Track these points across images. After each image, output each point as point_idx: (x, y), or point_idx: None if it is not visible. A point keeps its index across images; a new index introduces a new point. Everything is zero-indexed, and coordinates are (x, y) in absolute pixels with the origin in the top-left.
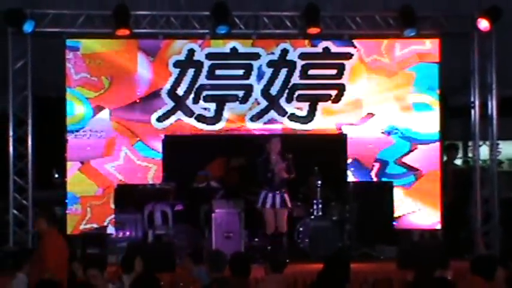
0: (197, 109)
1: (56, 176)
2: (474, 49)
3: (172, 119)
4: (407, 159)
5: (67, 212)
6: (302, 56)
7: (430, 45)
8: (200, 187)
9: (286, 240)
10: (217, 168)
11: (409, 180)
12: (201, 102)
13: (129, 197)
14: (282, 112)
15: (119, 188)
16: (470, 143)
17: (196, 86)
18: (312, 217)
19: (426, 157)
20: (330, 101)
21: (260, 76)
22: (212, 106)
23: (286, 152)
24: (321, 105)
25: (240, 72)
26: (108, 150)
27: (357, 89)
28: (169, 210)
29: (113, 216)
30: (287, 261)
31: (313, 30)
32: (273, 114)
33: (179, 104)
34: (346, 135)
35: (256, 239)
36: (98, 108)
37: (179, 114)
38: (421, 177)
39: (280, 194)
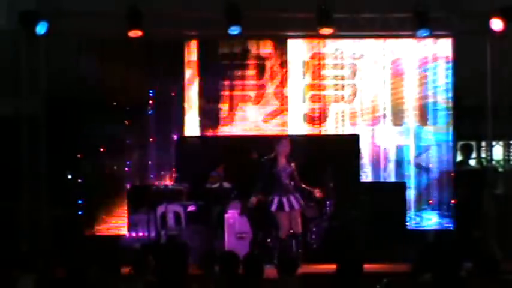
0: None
1: (70, 177)
2: (488, 49)
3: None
4: (421, 160)
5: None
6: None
7: (443, 45)
8: (213, 188)
9: (301, 241)
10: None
11: (422, 181)
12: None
13: (141, 198)
14: None
15: (131, 188)
16: (483, 143)
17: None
18: (325, 217)
19: (439, 157)
20: (343, 102)
21: None
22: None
23: (297, 154)
24: (335, 106)
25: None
26: None
27: (371, 90)
28: (182, 210)
29: None
30: (299, 262)
31: (326, 31)
32: None
33: None
34: (358, 135)
35: (269, 240)
36: None
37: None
38: (433, 177)
39: (294, 196)
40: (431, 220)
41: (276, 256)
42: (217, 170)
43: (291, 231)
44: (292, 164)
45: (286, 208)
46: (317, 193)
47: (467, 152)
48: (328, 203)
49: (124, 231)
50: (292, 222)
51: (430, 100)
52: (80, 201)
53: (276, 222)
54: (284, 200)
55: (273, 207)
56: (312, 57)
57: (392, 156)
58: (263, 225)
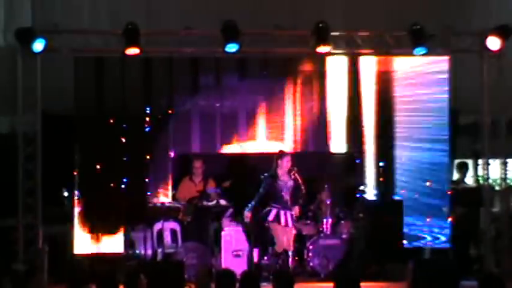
0: None
1: (66, 194)
2: (484, 67)
3: None
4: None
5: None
6: None
7: (440, 63)
8: (210, 205)
9: (292, 259)
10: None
11: (419, 199)
12: None
13: (138, 215)
14: None
15: (128, 206)
16: (480, 161)
17: None
18: (322, 235)
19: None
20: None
21: None
22: None
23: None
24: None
25: None
26: None
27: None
28: (179, 228)
29: None
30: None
31: (323, 49)
32: None
33: None
34: (355, 154)
35: (265, 258)
36: None
37: None
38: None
39: (290, 213)
40: (427, 238)
41: (272, 273)
42: (224, 185)
43: (284, 248)
44: (293, 179)
45: (283, 222)
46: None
47: (463, 170)
48: (325, 220)
49: (120, 249)
50: (287, 240)
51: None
52: (75, 219)
53: (271, 235)
54: (282, 213)
55: (270, 217)
56: None
57: None
58: (259, 242)
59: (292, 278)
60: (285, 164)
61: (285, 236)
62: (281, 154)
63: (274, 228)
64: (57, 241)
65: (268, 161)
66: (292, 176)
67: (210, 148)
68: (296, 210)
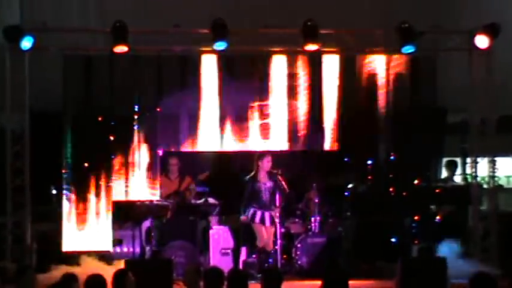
0: None
1: (54, 191)
2: (473, 65)
3: None
4: None
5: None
6: None
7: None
8: (198, 203)
9: (274, 258)
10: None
11: None
12: None
13: (126, 214)
14: None
15: (116, 204)
16: (468, 160)
17: None
18: (310, 233)
19: None
20: None
21: None
22: None
23: (281, 168)
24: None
25: None
26: None
27: None
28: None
29: None
30: (283, 278)
31: (311, 47)
32: None
33: None
34: (343, 152)
35: (253, 256)
36: None
37: None
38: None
39: (268, 213)
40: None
41: (259, 271)
42: (200, 177)
43: (263, 246)
44: (279, 173)
45: (267, 223)
46: None
47: (452, 168)
48: (313, 219)
49: (109, 247)
50: (268, 238)
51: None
52: (64, 217)
53: (255, 235)
54: (258, 213)
55: (257, 219)
56: None
57: None
58: (246, 240)
59: (281, 276)
60: (265, 164)
61: (263, 235)
62: (261, 155)
63: (259, 229)
64: (46, 238)
65: (250, 158)
66: (274, 178)
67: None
68: (276, 212)
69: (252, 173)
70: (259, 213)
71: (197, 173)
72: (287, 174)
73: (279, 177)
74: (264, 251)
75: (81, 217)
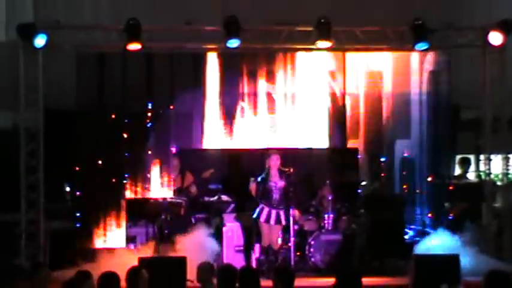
0: None
1: (68, 189)
2: (486, 62)
3: None
4: None
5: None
6: None
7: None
8: (211, 200)
9: (281, 258)
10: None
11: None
12: None
13: (140, 211)
14: None
15: (130, 201)
16: (482, 157)
17: None
18: (323, 231)
19: None
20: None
21: None
22: None
23: (294, 166)
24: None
25: None
26: None
27: None
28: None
29: None
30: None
31: (324, 44)
32: None
33: None
34: (357, 149)
35: (269, 254)
36: None
37: None
38: None
39: (276, 211)
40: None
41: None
42: (205, 175)
43: (269, 244)
44: (291, 171)
45: (272, 222)
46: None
47: (465, 165)
48: (326, 216)
49: (122, 244)
50: (272, 237)
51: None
52: (78, 214)
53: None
54: (265, 210)
55: (262, 219)
56: None
57: None
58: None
59: (293, 274)
60: (274, 163)
61: (266, 233)
62: (268, 154)
63: (263, 227)
64: (59, 236)
65: (257, 156)
66: (285, 176)
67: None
68: (296, 212)
69: (264, 173)
70: (265, 211)
71: (202, 170)
72: (299, 172)
73: (290, 175)
74: (270, 249)
75: (95, 215)
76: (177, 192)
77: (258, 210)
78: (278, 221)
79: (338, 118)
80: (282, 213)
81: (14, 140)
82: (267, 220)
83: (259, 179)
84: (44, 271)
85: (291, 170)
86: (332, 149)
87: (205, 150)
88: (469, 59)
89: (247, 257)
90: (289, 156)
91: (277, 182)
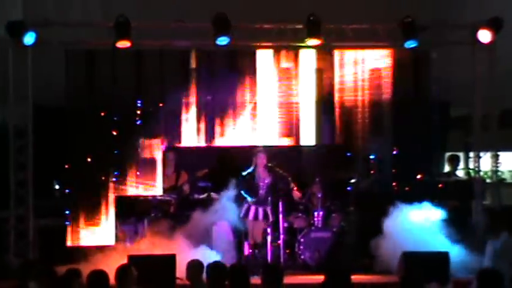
0: None
1: (57, 186)
2: (475, 59)
3: None
4: None
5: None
6: None
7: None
8: (201, 198)
9: (263, 252)
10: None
11: None
12: None
13: (129, 208)
14: None
15: (119, 199)
16: (471, 154)
17: None
18: (313, 228)
19: None
20: None
21: None
22: None
23: (282, 163)
24: None
25: None
26: None
27: None
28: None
29: None
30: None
31: (314, 42)
32: None
33: None
34: (346, 146)
35: (256, 251)
36: None
37: None
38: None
39: (263, 208)
40: None
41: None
42: (199, 174)
43: (256, 241)
44: (271, 176)
45: (260, 218)
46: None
47: (454, 162)
48: (316, 213)
49: (111, 241)
50: (260, 233)
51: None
52: (67, 212)
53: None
54: (252, 208)
55: (251, 216)
56: None
57: None
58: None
59: (282, 271)
60: (260, 161)
61: (257, 230)
62: (256, 151)
63: (250, 224)
64: (49, 233)
65: (249, 153)
66: (272, 171)
67: (200, 141)
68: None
69: (250, 169)
70: (253, 208)
71: (196, 169)
72: (290, 169)
73: (275, 169)
74: (258, 246)
75: (84, 212)
76: (170, 189)
77: (245, 208)
78: (265, 217)
79: (327, 114)
80: (268, 209)
81: (3, 137)
82: (255, 217)
83: (244, 174)
84: (37, 268)
85: (275, 163)
86: (320, 146)
87: (198, 148)
88: (458, 56)
89: (237, 255)
90: (277, 153)
91: (265, 179)
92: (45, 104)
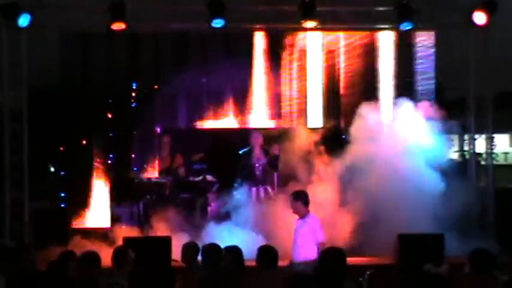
0: None
1: (52, 169)
2: (470, 42)
3: None
4: None
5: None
6: None
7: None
8: (196, 180)
9: None
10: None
11: None
12: None
13: (125, 191)
14: None
15: (115, 181)
16: (466, 136)
17: None
18: None
19: None
20: None
21: None
22: None
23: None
24: None
25: None
26: None
27: None
28: None
29: None
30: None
31: (309, 24)
32: None
33: None
34: (340, 127)
35: None
36: None
37: None
38: None
39: (263, 188)
40: None
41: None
42: (194, 158)
43: None
44: (268, 156)
45: (254, 198)
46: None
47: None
48: None
49: (107, 224)
50: None
51: None
52: (62, 194)
53: None
54: (253, 189)
55: (253, 198)
56: None
57: None
58: None
59: (276, 253)
60: (255, 140)
61: None
62: (252, 132)
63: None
64: (44, 216)
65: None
66: (269, 152)
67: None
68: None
69: (248, 148)
70: (254, 190)
71: (191, 151)
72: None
73: (274, 151)
74: None
75: (79, 194)
76: (165, 172)
77: (245, 190)
78: (267, 195)
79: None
80: (269, 189)
81: None
82: (258, 197)
83: (241, 151)
84: (30, 251)
85: (274, 146)
86: (316, 128)
87: (193, 129)
88: (453, 38)
89: None
90: (273, 135)
91: (260, 159)
92: (40, 86)
